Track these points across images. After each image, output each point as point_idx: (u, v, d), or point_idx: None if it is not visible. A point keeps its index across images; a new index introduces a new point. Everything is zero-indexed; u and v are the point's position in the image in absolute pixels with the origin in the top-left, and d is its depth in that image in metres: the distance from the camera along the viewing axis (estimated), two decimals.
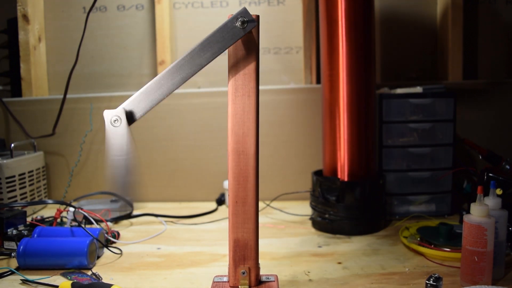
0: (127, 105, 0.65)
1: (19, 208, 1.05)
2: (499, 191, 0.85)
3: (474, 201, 0.75)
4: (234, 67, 0.67)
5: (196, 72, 0.65)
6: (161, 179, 1.42)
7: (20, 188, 1.25)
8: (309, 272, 0.84)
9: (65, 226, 1.05)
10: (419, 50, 1.48)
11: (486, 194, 0.78)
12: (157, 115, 1.40)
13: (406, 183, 1.17)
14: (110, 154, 0.65)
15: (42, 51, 1.50)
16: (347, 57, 1.06)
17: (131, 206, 1.27)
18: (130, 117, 0.65)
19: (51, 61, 1.53)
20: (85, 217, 1.01)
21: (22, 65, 1.45)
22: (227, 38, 0.64)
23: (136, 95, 0.65)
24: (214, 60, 0.66)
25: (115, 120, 0.64)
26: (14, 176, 1.22)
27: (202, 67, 0.65)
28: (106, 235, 1.00)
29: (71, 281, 0.76)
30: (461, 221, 1.01)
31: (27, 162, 1.29)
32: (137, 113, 0.66)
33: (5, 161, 1.19)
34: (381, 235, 1.05)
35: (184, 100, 1.40)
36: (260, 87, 0.70)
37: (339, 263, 0.88)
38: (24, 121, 1.41)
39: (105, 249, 0.96)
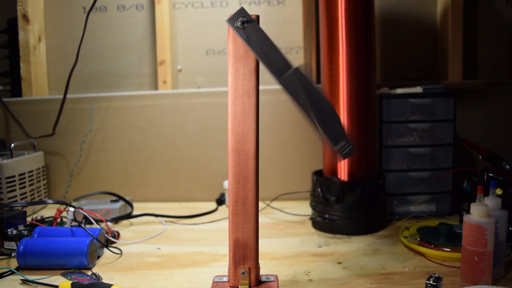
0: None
1: (19, 208, 1.05)
2: (499, 191, 0.85)
3: (474, 201, 0.75)
4: (234, 67, 0.67)
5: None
6: (161, 179, 1.42)
7: (20, 188, 1.25)
8: (309, 272, 0.84)
9: (65, 226, 1.05)
10: (419, 50, 1.48)
11: (486, 194, 0.78)
12: (157, 115, 1.40)
13: (406, 183, 1.17)
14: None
15: (42, 51, 1.50)
16: (347, 57, 1.06)
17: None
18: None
19: (51, 61, 1.53)
20: (85, 217, 1.01)
21: (22, 65, 1.45)
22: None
23: None
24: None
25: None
26: (14, 176, 1.22)
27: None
28: (106, 235, 1.00)
29: (71, 281, 0.76)
30: (461, 221, 1.01)
31: (27, 162, 1.29)
32: None
33: (5, 161, 1.19)
34: (381, 235, 1.05)
35: (184, 100, 1.40)
36: (260, 87, 0.70)
37: (339, 263, 0.88)
38: (24, 121, 1.41)
39: (105, 249, 0.96)
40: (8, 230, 0.98)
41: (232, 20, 0.64)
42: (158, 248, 0.99)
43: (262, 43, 0.62)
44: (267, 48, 0.62)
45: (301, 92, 0.60)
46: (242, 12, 0.64)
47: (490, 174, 0.97)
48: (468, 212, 0.76)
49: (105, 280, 0.82)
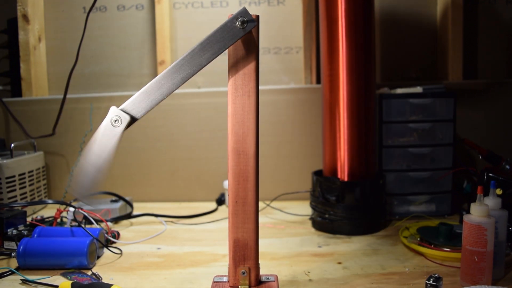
0: (127, 105, 0.65)
1: (19, 208, 1.05)
2: (499, 191, 0.85)
3: (474, 201, 0.75)
4: (234, 67, 0.67)
5: (196, 72, 0.65)
6: (161, 179, 1.42)
7: (20, 188, 1.25)
8: (309, 272, 0.84)
9: (65, 226, 1.05)
10: (419, 50, 1.48)
11: (486, 194, 0.78)
12: (157, 115, 1.40)
13: (406, 183, 1.17)
14: (89, 153, 0.65)
15: (42, 51, 1.50)
16: (347, 57, 1.06)
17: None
18: (131, 118, 0.65)
19: (51, 61, 1.53)
20: (85, 217, 1.01)
21: (22, 65, 1.45)
22: (227, 38, 0.64)
23: (137, 95, 0.65)
24: (214, 60, 0.66)
25: (115, 120, 0.64)
26: (14, 176, 1.22)
27: (202, 67, 0.65)
28: (106, 235, 1.00)
29: (71, 281, 0.76)
30: (461, 221, 1.01)
31: (27, 162, 1.29)
32: (138, 113, 0.65)
33: (5, 161, 1.19)
34: (381, 235, 1.05)
35: (184, 100, 1.40)
36: (260, 87, 0.70)
37: (339, 263, 0.88)
38: (24, 121, 1.41)
39: (105, 249, 0.96)
40: (8, 230, 0.98)
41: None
42: (158, 248, 0.99)
43: None
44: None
45: None
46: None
47: (490, 174, 0.97)
48: (468, 212, 0.76)
49: (105, 280, 0.82)
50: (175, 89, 0.65)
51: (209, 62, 0.65)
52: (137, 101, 0.65)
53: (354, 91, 1.07)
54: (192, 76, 0.65)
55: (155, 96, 0.65)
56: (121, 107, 0.65)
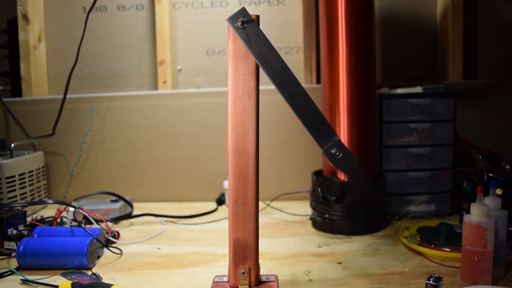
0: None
1: (19, 208, 1.05)
2: (499, 191, 0.85)
3: (474, 201, 0.75)
4: (234, 67, 0.67)
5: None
6: (161, 179, 1.42)
7: (20, 188, 1.25)
8: (309, 272, 0.84)
9: (65, 226, 1.05)
10: (419, 50, 1.48)
11: (486, 194, 0.78)
12: (157, 115, 1.40)
13: (406, 183, 1.17)
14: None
15: (42, 51, 1.50)
16: (347, 57, 1.06)
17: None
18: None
19: (51, 61, 1.53)
20: (85, 217, 1.01)
21: (22, 65, 1.45)
22: None
23: None
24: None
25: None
26: (14, 176, 1.22)
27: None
28: (106, 235, 1.00)
29: (71, 281, 0.76)
30: (461, 221, 1.01)
31: (27, 162, 1.29)
32: None
33: (5, 161, 1.19)
34: (381, 235, 1.05)
35: (184, 100, 1.40)
36: (260, 87, 0.70)
37: (339, 263, 0.88)
38: (24, 121, 1.41)
39: (105, 249, 0.96)
40: (8, 230, 0.98)
41: (232, 19, 0.64)
42: (158, 248, 0.99)
43: (261, 45, 0.63)
44: (266, 50, 0.63)
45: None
46: (242, 12, 0.64)
47: (490, 174, 0.97)
48: (468, 212, 0.76)
49: (105, 280, 0.82)
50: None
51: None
52: None
53: (354, 91, 1.07)
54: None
55: None
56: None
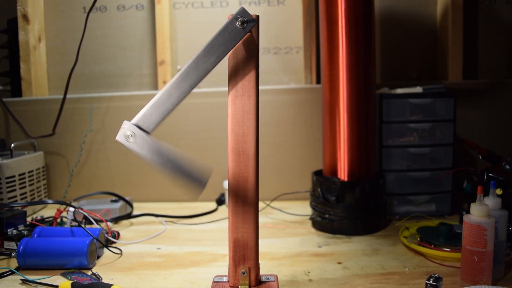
0: (139, 119, 0.65)
1: (19, 208, 1.05)
2: (499, 191, 0.85)
3: (474, 201, 0.75)
4: (234, 67, 0.67)
5: (203, 78, 0.65)
6: (161, 179, 1.42)
7: (20, 188, 1.25)
8: (309, 272, 0.84)
9: (65, 226, 1.05)
10: (419, 50, 1.48)
11: (486, 194, 0.78)
12: None
13: (406, 183, 1.17)
14: (150, 163, 0.64)
15: (42, 51, 1.50)
16: (347, 57, 1.06)
17: (132, 206, 1.27)
18: (144, 132, 0.65)
19: (51, 61, 1.53)
20: (85, 217, 1.01)
21: (22, 65, 1.45)
22: (229, 40, 0.64)
23: (147, 108, 0.65)
24: None
25: (129, 136, 0.64)
26: (14, 176, 1.22)
27: (209, 72, 0.65)
28: (106, 235, 1.00)
29: (71, 281, 0.76)
30: (461, 221, 1.01)
31: (27, 162, 1.29)
32: (150, 126, 0.65)
33: (5, 161, 1.19)
34: (381, 235, 1.05)
35: (184, 100, 1.40)
36: (260, 87, 0.70)
37: (339, 263, 0.88)
38: (24, 121, 1.41)
39: (105, 249, 0.96)
40: (8, 230, 0.98)
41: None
42: (158, 248, 0.99)
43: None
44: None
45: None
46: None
47: (490, 174, 0.97)
48: (468, 212, 0.76)
49: (105, 280, 0.82)
50: (184, 98, 0.65)
51: (214, 66, 0.65)
52: (148, 114, 0.65)
53: (354, 91, 1.07)
54: (199, 82, 0.65)
55: (165, 107, 0.65)
56: (133, 121, 0.65)
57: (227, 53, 0.65)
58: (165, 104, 0.65)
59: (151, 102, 0.65)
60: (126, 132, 0.64)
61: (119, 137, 0.64)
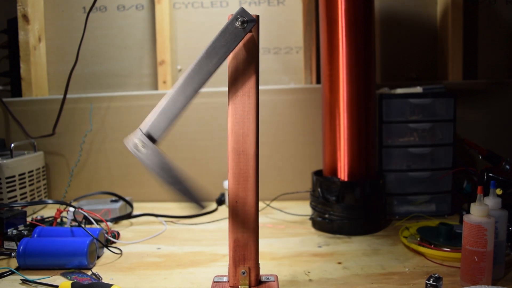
0: (150, 128, 0.64)
1: (19, 208, 1.05)
2: (499, 191, 0.85)
3: (474, 201, 0.75)
4: (234, 67, 0.67)
5: (207, 80, 0.65)
6: None
7: (20, 188, 1.25)
8: (309, 272, 0.84)
9: (65, 226, 1.05)
10: (419, 50, 1.48)
11: (486, 194, 0.78)
12: None
13: (406, 183, 1.17)
14: (155, 177, 0.64)
15: (42, 51, 1.50)
16: (347, 57, 1.06)
17: (131, 206, 1.27)
18: (152, 140, 0.65)
19: (51, 61, 1.53)
20: (85, 217, 1.01)
21: (22, 65, 1.45)
22: (230, 41, 0.64)
23: (155, 116, 0.64)
24: None
25: (140, 147, 0.64)
26: (14, 176, 1.22)
27: (212, 74, 0.65)
28: (106, 235, 1.00)
29: (71, 281, 0.76)
30: (461, 221, 1.01)
31: (27, 162, 1.29)
32: (159, 134, 0.65)
33: (5, 161, 1.19)
34: (381, 235, 1.05)
35: None
36: (260, 87, 0.70)
37: (339, 263, 0.88)
38: (24, 121, 1.41)
39: (105, 249, 0.96)
40: (8, 230, 0.98)
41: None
42: (158, 248, 0.99)
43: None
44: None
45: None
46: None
47: (490, 174, 0.97)
48: (468, 212, 0.76)
49: (105, 280, 0.82)
50: (190, 102, 0.65)
51: (217, 68, 0.64)
52: (156, 122, 0.64)
53: (354, 91, 1.07)
54: (204, 85, 0.64)
55: (172, 113, 0.64)
56: (144, 130, 0.64)
57: (229, 54, 0.65)
58: (171, 110, 0.65)
59: (158, 109, 0.64)
60: (138, 143, 0.64)
61: (129, 146, 0.64)
